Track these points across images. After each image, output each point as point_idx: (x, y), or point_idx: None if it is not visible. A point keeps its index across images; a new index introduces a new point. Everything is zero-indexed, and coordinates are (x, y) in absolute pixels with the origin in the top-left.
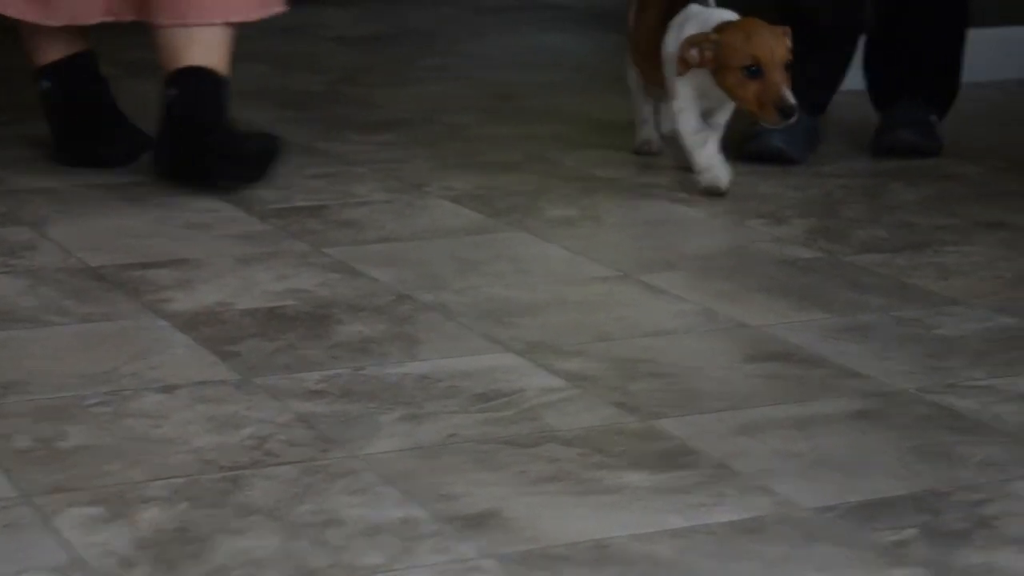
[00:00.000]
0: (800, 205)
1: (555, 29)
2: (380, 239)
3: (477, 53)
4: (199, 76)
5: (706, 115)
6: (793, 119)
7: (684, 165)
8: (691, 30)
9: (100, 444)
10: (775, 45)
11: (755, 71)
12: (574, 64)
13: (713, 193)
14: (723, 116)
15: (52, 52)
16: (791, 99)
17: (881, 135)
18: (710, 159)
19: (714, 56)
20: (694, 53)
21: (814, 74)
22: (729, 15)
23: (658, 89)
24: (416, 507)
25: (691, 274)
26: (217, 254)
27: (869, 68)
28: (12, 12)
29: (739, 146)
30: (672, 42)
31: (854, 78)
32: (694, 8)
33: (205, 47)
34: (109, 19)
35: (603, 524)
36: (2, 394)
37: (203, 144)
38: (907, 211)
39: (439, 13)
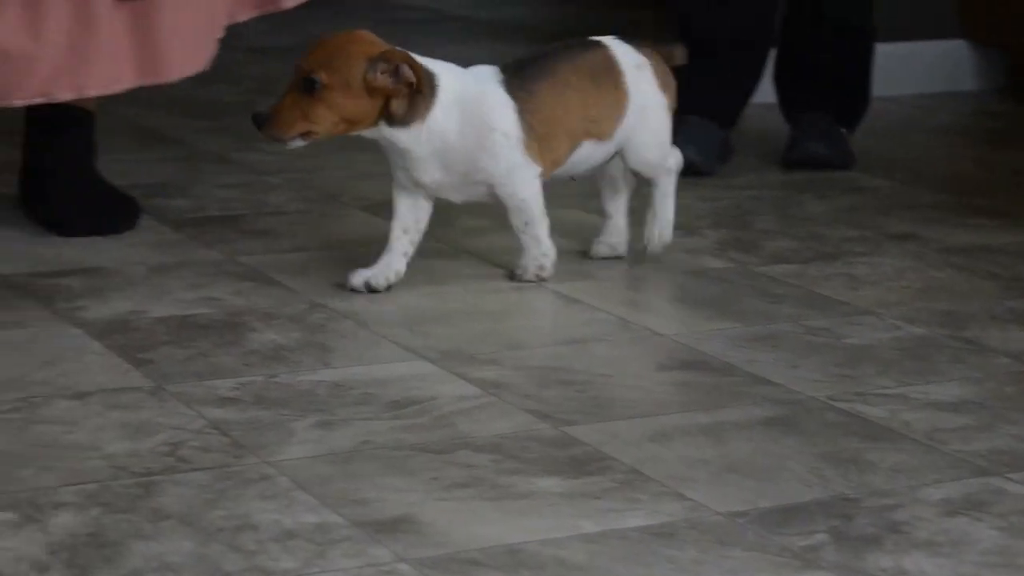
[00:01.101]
0: (711, 216)
1: (465, 41)
2: (294, 248)
3: None
4: None
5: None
6: (263, 132)
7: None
8: None
9: (11, 450)
10: (300, 57)
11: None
12: None
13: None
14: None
15: None
16: (260, 109)
17: (792, 148)
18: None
19: None
20: None
21: (723, 87)
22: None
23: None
24: (329, 512)
25: (603, 283)
26: (130, 263)
27: (779, 81)
28: None
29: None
30: None
31: (765, 91)
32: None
33: None
34: None
35: (515, 529)
36: None
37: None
38: (817, 223)
39: (353, 25)
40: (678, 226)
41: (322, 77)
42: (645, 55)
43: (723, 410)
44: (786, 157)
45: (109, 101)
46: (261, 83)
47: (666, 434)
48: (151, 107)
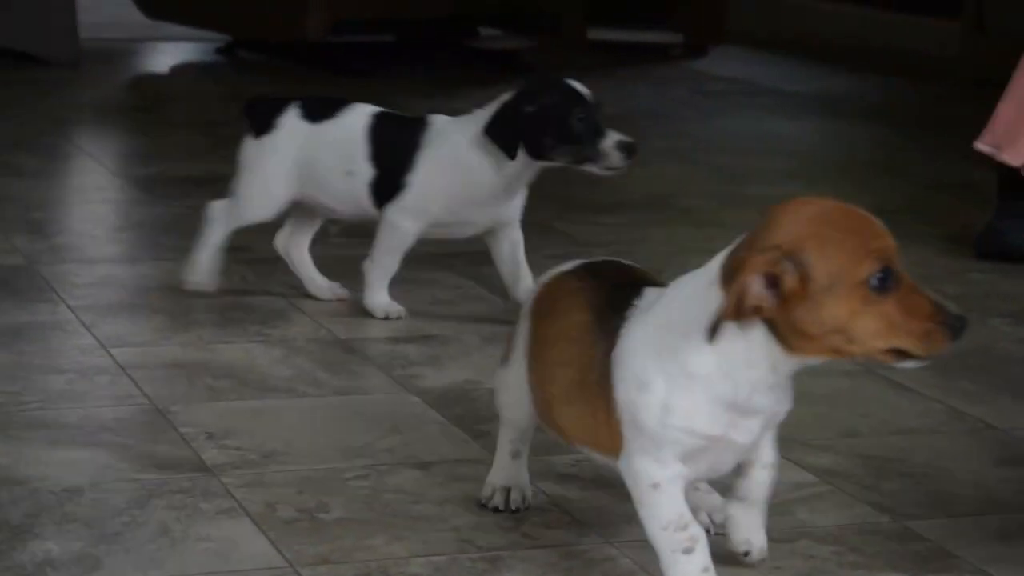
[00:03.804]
0: None
1: (777, 115)
2: None
3: (703, 136)
4: None
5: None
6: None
7: None
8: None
9: (361, 517)
10: (887, 233)
11: (885, 281)
12: (799, 151)
13: None
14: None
15: None
16: (952, 305)
17: None
18: None
19: (800, 280)
20: (758, 288)
21: None
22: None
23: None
24: None
25: (935, 372)
26: (464, 331)
27: None
28: None
29: (972, 243)
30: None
31: None
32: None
33: None
34: None
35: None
36: (264, 462)
37: None
38: None
39: (664, 94)
40: (1006, 313)
41: None
42: None
43: None
44: None
45: None
46: None
47: (1011, 533)
48: None
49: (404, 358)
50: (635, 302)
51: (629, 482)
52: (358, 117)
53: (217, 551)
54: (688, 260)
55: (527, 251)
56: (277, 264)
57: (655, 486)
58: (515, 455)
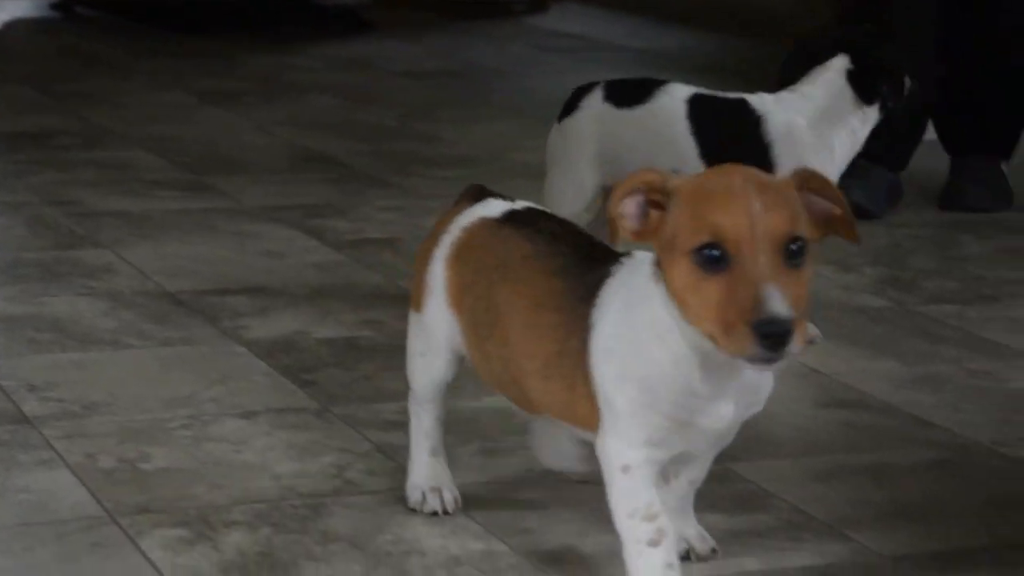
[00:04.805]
0: (868, 254)
1: (618, 71)
2: None
3: (542, 91)
4: None
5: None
6: (787, 350)
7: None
8: None
9: (183, 467)
10: (762, 210)
11: (711, 259)
12: None
13: None
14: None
15: None
16: (778, 308)
17: (951, 191)
18: None
19: (659, 223)
20: (632, 207)
21: (894, 131)
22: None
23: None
24: (495, 540)
25: None
26: (293, 283)
27: (940, 120)
28: None
29: None
30: None
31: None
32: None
33: None
34: None
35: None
36: (86, 414)
37: None
38: (977, 263)
39: (505, 50)
40: (832, 261)
41: (808, 234)
42: None
43: (887, 452)
44: (944, 199)
45: (268, 123)
46: (414, 107)
47: (830, 474)
48: (311, 128)
49: (232, 310)
50: (622, 259)
51: (602, 464)
52: (674, 102)
53: (34, 502)
54: None
55: (362, 203)
56: (104, 218)
57: (625, 469)
58: (433, 452)
